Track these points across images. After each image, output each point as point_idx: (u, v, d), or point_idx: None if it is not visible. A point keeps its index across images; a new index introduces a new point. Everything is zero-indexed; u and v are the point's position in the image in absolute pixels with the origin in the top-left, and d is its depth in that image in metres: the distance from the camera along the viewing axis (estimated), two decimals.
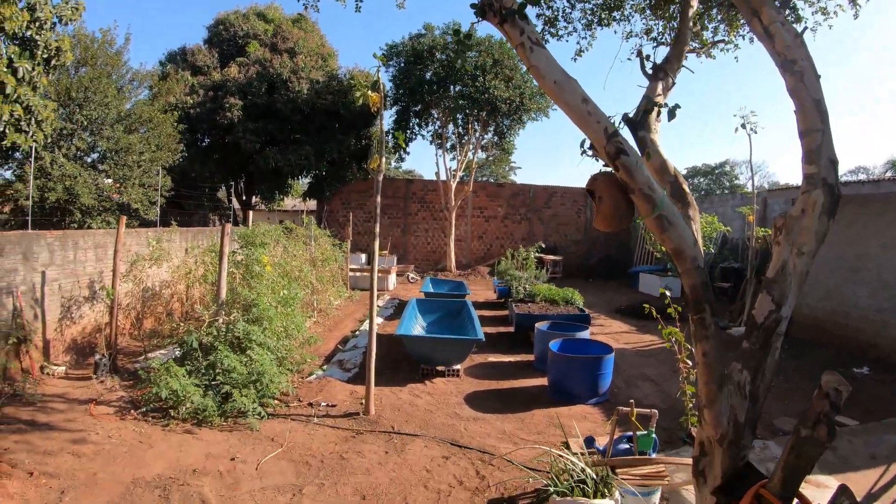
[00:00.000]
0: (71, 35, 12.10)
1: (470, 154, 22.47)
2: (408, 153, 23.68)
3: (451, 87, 20.57)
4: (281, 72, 19.22)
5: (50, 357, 8.05)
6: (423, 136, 22.72)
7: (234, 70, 19.27)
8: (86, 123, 12.19)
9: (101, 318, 9.04)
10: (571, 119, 3.29)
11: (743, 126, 11.03)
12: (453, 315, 11.35)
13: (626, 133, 3.64)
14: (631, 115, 3.97)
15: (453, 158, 22.94)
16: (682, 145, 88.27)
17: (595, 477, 4.31)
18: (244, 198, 23.60)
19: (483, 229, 23.60)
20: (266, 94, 19.34)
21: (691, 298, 3.27)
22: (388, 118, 22.75)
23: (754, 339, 3.08)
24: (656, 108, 4.10)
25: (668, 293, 6.27)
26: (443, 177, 22.40)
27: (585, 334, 8.92)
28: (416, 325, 10.49)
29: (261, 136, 19.35)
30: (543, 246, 17.85)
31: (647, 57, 4.39)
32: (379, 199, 7.24)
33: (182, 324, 8.41)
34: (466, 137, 22.31)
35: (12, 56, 7.59)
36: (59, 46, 8.64)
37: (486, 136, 22.33)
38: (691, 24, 4.74)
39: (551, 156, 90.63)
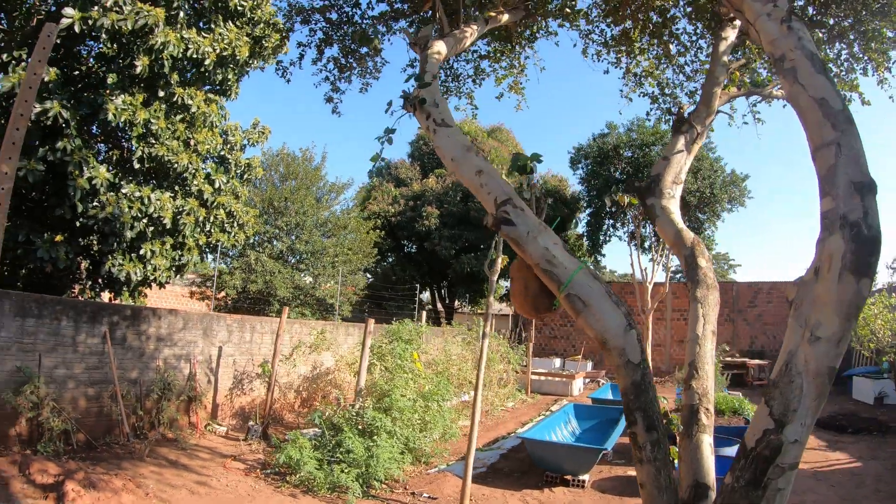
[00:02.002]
0: (275, 154, 14.96)
1: (658, 254, 21.65)
2: (603, 255, 23.54)
3: None
4: None
5: (217, 418, 9.55)
6: (618, 237, 22.60)
7: (431, 181, 21.62)
8: (286, 228, 14.66)
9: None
10: (472, 192, 3.31)
11: None
12: (610, 423, 10.78)
13: None
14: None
15: (651, 259, 22.16)
16: None
17: None
18: (447, 301, 25.32)
19: (683, 333, 21.98)
20: (461, 202, 21.23)
21: (623, 404, 2.68)
22: (582, 220, 23.15)
23: (739, 472, 2.24)
24: (680, 171, 3.93)
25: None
26: (638, 278, 21.77)
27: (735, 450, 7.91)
28: (559, 431, 10.20)
29: (456, 243, 21.05)
30: (727, 348, 16.12)
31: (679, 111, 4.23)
32: (492, 298, 7.70)
33: (323, 405, 9.41)
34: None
35: (209, 171, 9.76)
36: (250, 164, 10.87)
37: None
38: (725, 59, 4.42)
39: (779, 248, 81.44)
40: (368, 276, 20.30)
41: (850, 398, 16.06)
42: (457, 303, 25.80)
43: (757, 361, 19.44)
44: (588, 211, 22.58)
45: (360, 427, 8.04)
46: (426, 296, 25.79)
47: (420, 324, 13.81)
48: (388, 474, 7.51)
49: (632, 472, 8.63)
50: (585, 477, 8.12)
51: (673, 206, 3.87)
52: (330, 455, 7.56)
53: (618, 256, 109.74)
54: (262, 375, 10.54)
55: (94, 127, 8.53)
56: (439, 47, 4.30)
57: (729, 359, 19.76)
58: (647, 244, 22.13)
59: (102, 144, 8.93)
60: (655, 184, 3.89)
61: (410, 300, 22.80)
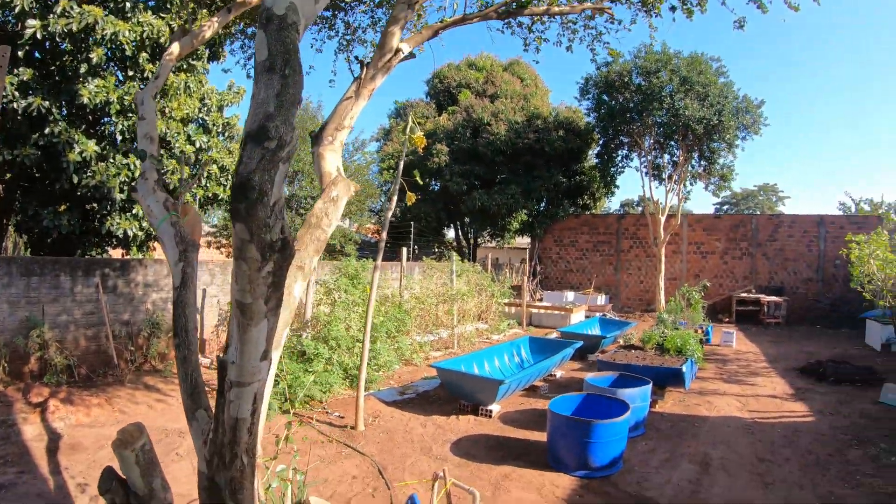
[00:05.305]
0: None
1: (675, 184, 21.89)
2: (617, 187, 24.14)
3: (650, 113, 20.49)
4: (482, 116, 22.04)
5: (205, 352, 11.68)
6: (634, 168, 23.04)
7: (443, 119, 22.80)
8: (288, 177, 16.55)
9: None
10: None
11: None
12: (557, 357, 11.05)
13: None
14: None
15: (669, 190, 22.27)
16: None
17: None
18: (470, 237, 26.90)
19: (700, 267, 22.55)
20: (470, 138, 22.38)
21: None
22: (594, 152, 23.71)
23: (218, 380, 2.63)
24: (345, 118, 4.99)
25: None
26: (651, 210, 22.32)
27: (636, 393, 7.69)
28: (500, 361, 10.89)
29: (468, 179, 22.36)
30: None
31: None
32: (384, 234, 8.37)
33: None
34: (676, 167, 21.89)
35: (190, 132, 11.52)
36: (229, 122, 12.54)
37: (697, 164, 21.48)
38: None
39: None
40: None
41: (864, 342, 16.04)
42: (480, 239, 27.27)
43: (773, 298, 19.56)
44: (601, 141, 22.99)
45: (299, 353, 9.37)
46: (451, 234, 27.41)
47: (452, 261, 15.45)
48: (310, 395, 8.71)
49: (542, 405, 9.01)
50: (494, 407, 8.59)
51: (328, 151, 4.69)
52: None
53: (634, 187, 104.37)
54: None
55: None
56: (173, 48, 5.61)
57: (745, 294, 20.40)
58: (664, 174, 22.45)
59: (90, 123, 10.77)
60: (319, 132, 4.83)
61: (430, 237, 24.51)
